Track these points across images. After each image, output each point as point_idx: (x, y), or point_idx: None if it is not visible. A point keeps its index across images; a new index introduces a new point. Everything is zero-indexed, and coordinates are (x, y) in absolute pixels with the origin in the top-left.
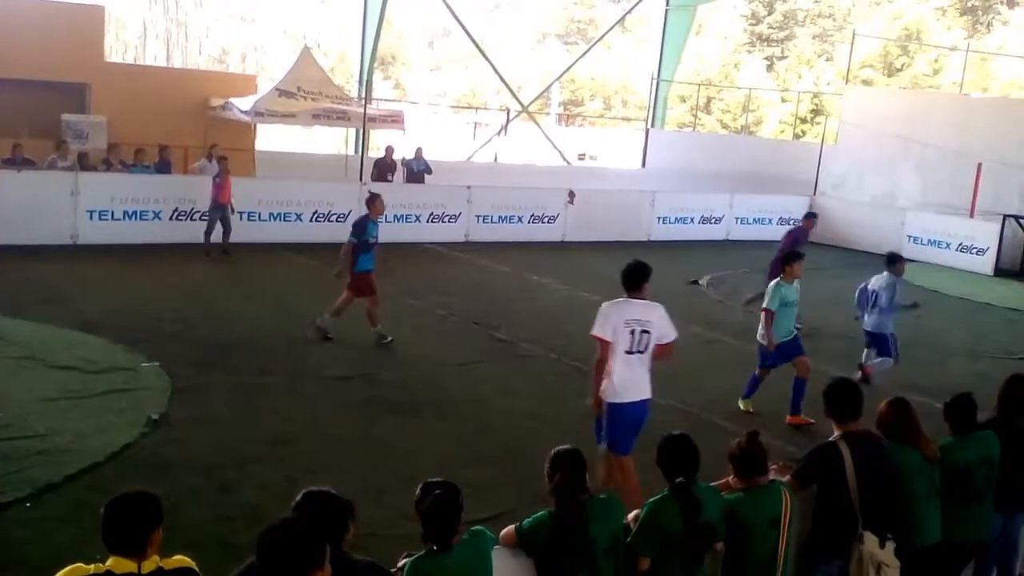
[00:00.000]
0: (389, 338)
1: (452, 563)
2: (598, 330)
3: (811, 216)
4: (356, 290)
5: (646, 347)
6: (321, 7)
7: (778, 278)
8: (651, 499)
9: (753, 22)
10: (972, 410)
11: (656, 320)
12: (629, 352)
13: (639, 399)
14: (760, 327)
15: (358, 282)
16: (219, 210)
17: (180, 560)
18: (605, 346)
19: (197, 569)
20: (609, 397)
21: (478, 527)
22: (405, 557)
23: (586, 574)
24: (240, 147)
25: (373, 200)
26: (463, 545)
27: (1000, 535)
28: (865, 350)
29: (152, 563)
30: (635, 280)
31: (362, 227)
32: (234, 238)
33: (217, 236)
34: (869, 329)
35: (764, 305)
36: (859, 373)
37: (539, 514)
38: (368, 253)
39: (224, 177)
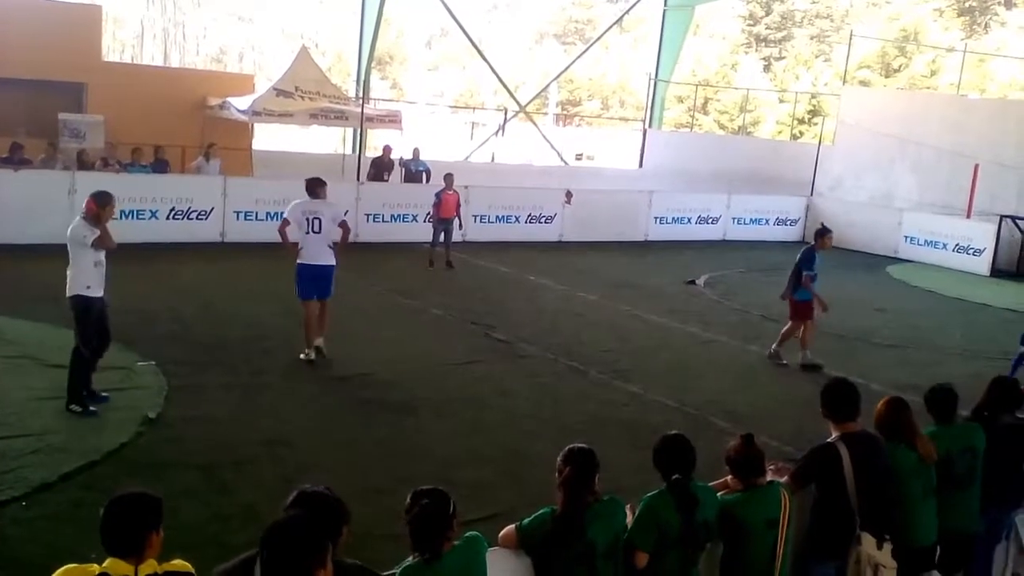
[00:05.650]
0: (785, 360)
1: (442, 572)
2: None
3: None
4: (803, 315)
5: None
6: (319, 7)
7: None
8: (648, 494)
9: (751, 23)
10: (951, 400)
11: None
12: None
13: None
14: None
15: (803, 309)
16: (442, 223)
17: (179, 564)
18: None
19: (195, 573)
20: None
21: (473, 532)
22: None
23: (585, 575)
24: (237, 147)
25: (824, 234)
26: (454, 552)
27: (984, 532)
28: None
29: (149, 566)
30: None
31: (812, 259)
32: (230, 237)
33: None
34: None
35: None
36: None
37: (540, 512)
38: (812, 283)
39: (443, 195)
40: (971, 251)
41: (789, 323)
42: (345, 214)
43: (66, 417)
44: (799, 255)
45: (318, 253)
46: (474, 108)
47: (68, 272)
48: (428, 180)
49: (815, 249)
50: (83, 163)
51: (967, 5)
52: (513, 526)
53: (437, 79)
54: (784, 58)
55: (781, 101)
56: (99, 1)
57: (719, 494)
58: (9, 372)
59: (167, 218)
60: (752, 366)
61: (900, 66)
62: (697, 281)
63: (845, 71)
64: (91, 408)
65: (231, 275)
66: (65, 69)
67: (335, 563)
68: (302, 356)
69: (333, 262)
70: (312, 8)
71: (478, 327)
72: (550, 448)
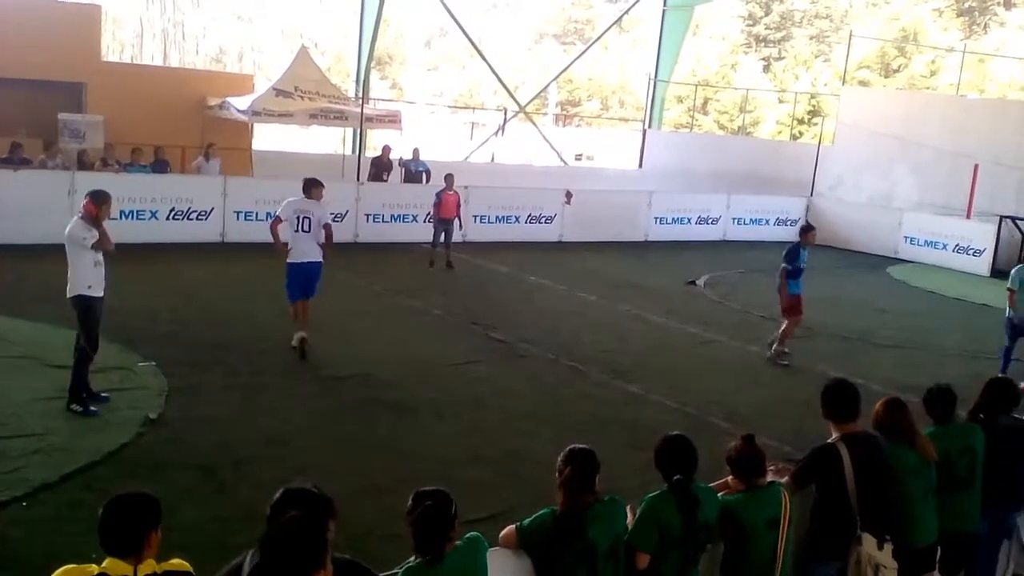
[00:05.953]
0: (785, 361)
1: (444, 573)
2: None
3: None
4: (791, 311)
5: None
6: (318, 7)
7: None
8: (649, 495)
9: (750, 23)
10: (950, 400)
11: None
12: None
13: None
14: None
15: (791, 303)
16: (442, 224)
17: (177, 564)
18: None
19: (194, 573)
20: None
21: (474, 533)
22: None
23: (585, 575)
24: (237, 146)
25: (808, 230)
26: (456, 553)
27: (987, 533)
28: None
29: (148, 566)
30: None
31: (795, 254)
32: (230, 237)
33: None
34: None
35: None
36: None
37: (541, 512)
38: (798, 278)
39: (443, 195)
40: (971, 251)
41: (785, 322)
42: (345, 215)
43: (67, 417)
44: (784, 251)
45: (307, 250)
46: (474, 108)
47: (68, 273)
48: (428, 180)
49: (800, 245)
50: (83, 163)
51: (966, 5)
52: (513, 526)
53: (436, 79)
54: (784, 58)
55: (781, 101)
56: (98, 1)
57: (720, 495)
58: (9, 372)
59: (167, 218)
60: (752, 366)
61: (899, 66)
62: (697, 281)
63: (844, 71)
64: (91, 408)
65: (231, 275)
66: (64, 69)
67: None
68: (293, 344)
69: (321, 259)
70: (311, 8)
71: (478, 327)
72: (550, 448)
